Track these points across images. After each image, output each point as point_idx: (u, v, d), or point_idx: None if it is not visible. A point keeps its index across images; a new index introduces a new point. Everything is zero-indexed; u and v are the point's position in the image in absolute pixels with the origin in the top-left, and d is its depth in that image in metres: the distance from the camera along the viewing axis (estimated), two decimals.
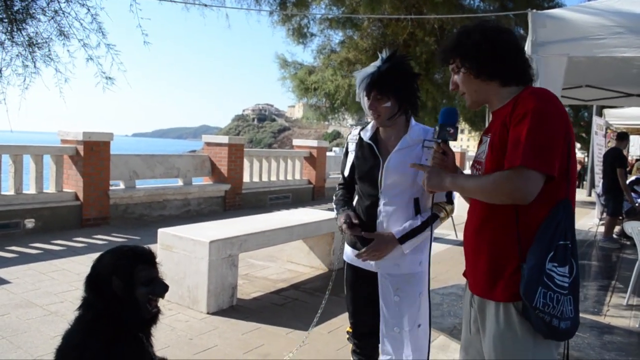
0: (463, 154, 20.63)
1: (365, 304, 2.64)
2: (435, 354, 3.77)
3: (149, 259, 2.19)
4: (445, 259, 6.92)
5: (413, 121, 2.53)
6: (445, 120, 2.04)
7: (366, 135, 2.59)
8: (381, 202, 2.50)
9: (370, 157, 2.55)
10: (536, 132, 1.64)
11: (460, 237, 8.28)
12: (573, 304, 1.69)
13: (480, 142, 1.98)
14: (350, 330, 2.77)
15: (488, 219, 1.82)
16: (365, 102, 2.47)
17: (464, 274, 2.03)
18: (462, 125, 14.48)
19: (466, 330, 2.01)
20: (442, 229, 8.56)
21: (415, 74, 2.51)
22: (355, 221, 2.52)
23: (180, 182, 10.02)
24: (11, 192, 7.46)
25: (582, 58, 3.77)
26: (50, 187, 8.12)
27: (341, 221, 2.54)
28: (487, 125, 2.05)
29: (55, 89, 4.75)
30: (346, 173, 2.72)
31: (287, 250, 6.44)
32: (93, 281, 2.13)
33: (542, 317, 1.64)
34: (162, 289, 2.19)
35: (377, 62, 2.42)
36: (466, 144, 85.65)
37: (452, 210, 2.49)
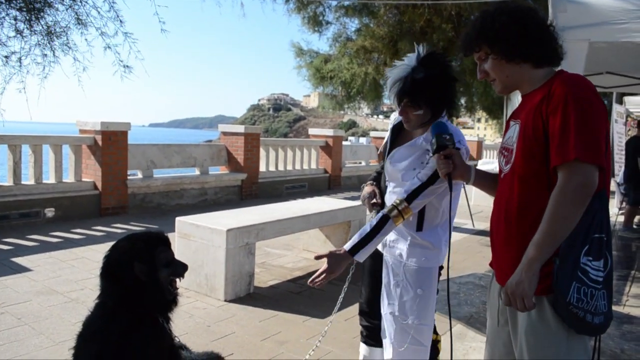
0: (480, 143, 20.45)
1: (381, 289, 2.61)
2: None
3: (166, 241, 2.23)
4: (462, 248, 6.88)
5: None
6: (437, 131, 2.04)
7: (396, 120, 2.56)
8: (388, 189, 2.50)
9: (388, 143, 2.55)
10: (583, 122, 1.57)
11: (478, 226, 8.24)
12: (607, 299, 1.64)
13: (507, 128, 1.91)
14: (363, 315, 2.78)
15: (520, 210, 1.75)
16: (395, 104, 2.31)
17: (491, 265, 1.98)
18: (479, 113, 14.33)
19: (492, 322, 1.97)
20: (460, 218, 8.51)
21: (454, 79, 2.30)
22: (374, 201, 2.56)
23: (197, 172, 10.08)
24: (31, 182, 7.57)
25: (603, 44, 3.69)
26: (69, 177, 8.22)
27: (364, 195, 2.63)
28: (506, 111, 2.01)
29: (73, 79, 4.79)
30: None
31: (304, 239, 6.46)
32: (112, 269, 2.15)
33: (576, 313, 1.60)
34: (183, 268, 2.25)
35: (412, 61, 2.20)
36: (483, 132, 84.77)
37: (406, 209, 2.20)
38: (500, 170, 1.91)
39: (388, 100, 2.42)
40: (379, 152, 2.68)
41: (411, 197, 2.19)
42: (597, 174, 1.59)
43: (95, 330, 2.13)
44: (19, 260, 5.47)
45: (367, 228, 2.22)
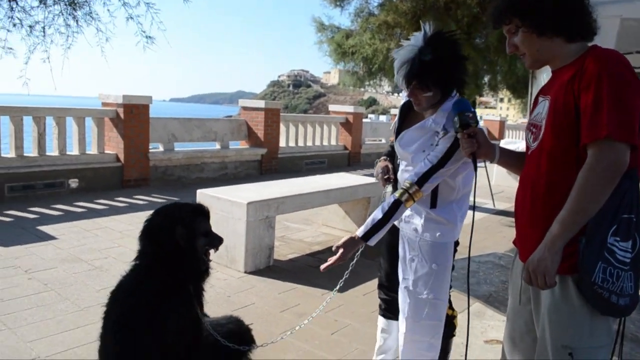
0: (502, 123, 20.19)
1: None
2: (470, 320, 3.78)
3: (207, 213, 2.30)
4: (483, 227, 6.86)
5: (446, 103, 2.22)
6: (459, 109, 2.00)
7: (405, 99, 2.47)
8: (400, 167, 2.49)
9: (397, 123, 2.52)
10: (617, 99, 1.52)
11: (498, 206, 8.19)
12: (634, 281, 1.61)
13: (536, 104, 1.86)
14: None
15: (547, 187, 1.71)
16: (403, 87, 2.26)
17: (514, 242, 1.96)
18: (503, 93, 14.10)
19: (514, 300, 1.95)
20: (480, 198, 8.46)
21: (463, 58, 2.24)
22: (388, 176, 2.57)
23: (217, 146, 10.14)
24: (56, 153, 7.69)
25: (634, 21, 3.60)
26: (92, 149, 8.33)
27: (377, 170, 2.60)
28: (531, 90, 1.97)
29: (96, 49, 4.81)
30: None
31: (323, 214, 6.49)
32: (153, 231, 2.21)
33: (600, 293, 1.57)
34: (218, 241, 2.31)
35: (418, 41, 2.13)
36: (505, 112, 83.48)
37: (416, 193, 2.18)
38: (528, 147, 1.87)
39: (396, 81, 2.35)
40: (391, 127, 2.64)
41: (421, 180, 2.18)
42: (628, 152, 1.54)
43: (128, 289, 2.20)
44: (44, 228, 5.60)
45: (378, 214, 2.21)
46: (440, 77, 2.16)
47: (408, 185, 2.18)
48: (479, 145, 1.97)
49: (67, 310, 3.61)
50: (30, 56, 4.35)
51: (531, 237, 1.77)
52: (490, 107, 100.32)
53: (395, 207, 2.19)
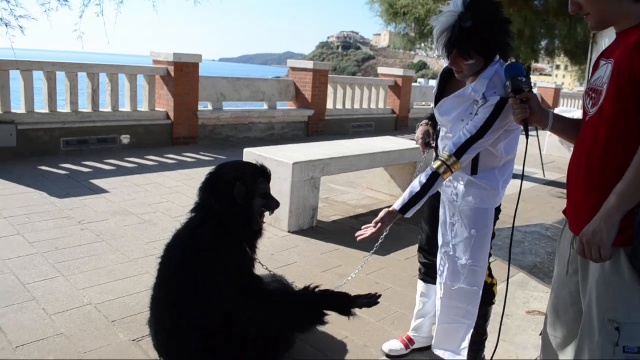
0: (557, 91, 19.39)
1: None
2: (513, 290, 3.73)
3: (269, 175, 2.32)
4: (531, 197, 6.68)
5: (487, 71, 2.14)
6: (512, 73, 1.91)
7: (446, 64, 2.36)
8: (441, 134, 2.45)
9: (437, 89, 2.45)
10: None
11: (548, 177, 7.95)
12: None
13: (597, 67, 1.74)
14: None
15: (604, 155, 1.62)
16: (444, 56, 2.16)
17: (565, 212, 1.89)
18: (560, 60, 13.49)
19: (561, 271, 1.89)
20: (530, 167, 8.23)
21: (506, 22, 2.13)
22: (429, 141, 2.57)
23: (265, 106, 10.17)
24: (109, 110, 7.88)
25: None
26: (143, 106, 8.50)
27: (418, 135, 2.60)
28: (591, 55, 1.85)
29: (148, 5, 4.78)
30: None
31: (368, 177, 6.46)
32: (214, 185, 2.25)
33: None
34: (275, 204, 2.34)
35: (458, 7, 2.02)
36: (561, 80, 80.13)
37: (455, 164, 2.14)
38: (585, 113, 1.77)
39: (435, 50, 2.24)
40: (434, 92, 2.57)
41: (460, 152, 2.13)
42: None
43: (183, 240, 2.25)
44: (97, 182, 5.79)
45: (417, 186, 2.18)
46: (483, 44, 2.07)
47: (447, 157, 2.15)
48: (531, 112, 1.88)
49: (118, 260, 3.75)
50: (84, 10, 4.38)
51: (584, 207, 1.70)
52: (546, 75, 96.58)
53: (433, 180, 2.16)
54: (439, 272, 2.52)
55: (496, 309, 2.67)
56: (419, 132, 2.62)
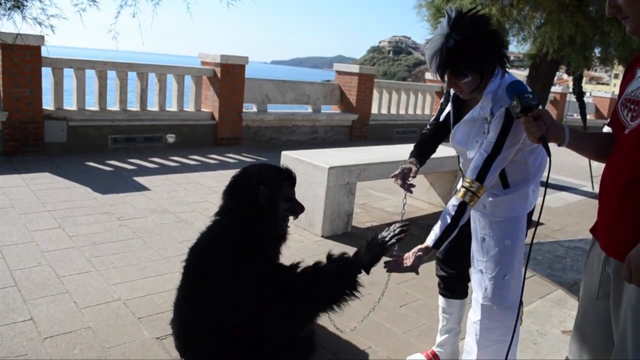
0: (613, 100, 18.62)
1: (461, 237, 2.41)
2: (550, 307, 3.59)
3: (293, 178, 2.27)
4: (577, 211, 6.42)
5: (490, 86, 2.08)
6: (517, 91, 1.80)
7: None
8: (461, 161, 2.39)
9: (451, 113, 2.38)
10: None
11: (597, 190, 7.63)
12: None
13: (634, 77, 1.64)
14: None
15: None
16: (438, 78, 2.12)
17: (592, 231, 1.77)
18: (616, 68, 12.93)
19: (588, 295, 1.77)
20: (577, 179, 7.92)
21: (492, 33, 2.05)
22: (410, 181, 2.44)
23: (309, 109, 10.18)
24: (156, 109, 8.07)
25: None
26: (189, 106, 8.66)
27: (397, 172, 2.44)
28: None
29: (183, 7, 4.76)
30: (441, 118, 2.56)
31: None
32: (237, 188, 2.23)
33: None
34: (300, 208, 2.29)
35: (444, 29, 1.98)
36: (618, 89, 76.71)
37: (479, 189, 2.04)
38: (622, 126, 1.64)
39: (431, 74, 2.18)
40: (442, 117, 2.49)
41: (481, 175, 2.04)
42: None
43: (207, 244, 2.25)
44: (140, 179, 5.93)
45: (447, 219, 2.08)
46: (474, 59, 2.00)
47: (469, 183, 2.06)
48: (546, 128, 1.73)
49: (151, 258, 3.80)
50: (120, 10, 4.43)
51: (619, 227, 1.58)
52: (603, 83, 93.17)
53: (462, 210, 2.07)
54: (474, 294, 2.43)
55: (531, 327, 2.56)
56: (398, 171, 2.47)
